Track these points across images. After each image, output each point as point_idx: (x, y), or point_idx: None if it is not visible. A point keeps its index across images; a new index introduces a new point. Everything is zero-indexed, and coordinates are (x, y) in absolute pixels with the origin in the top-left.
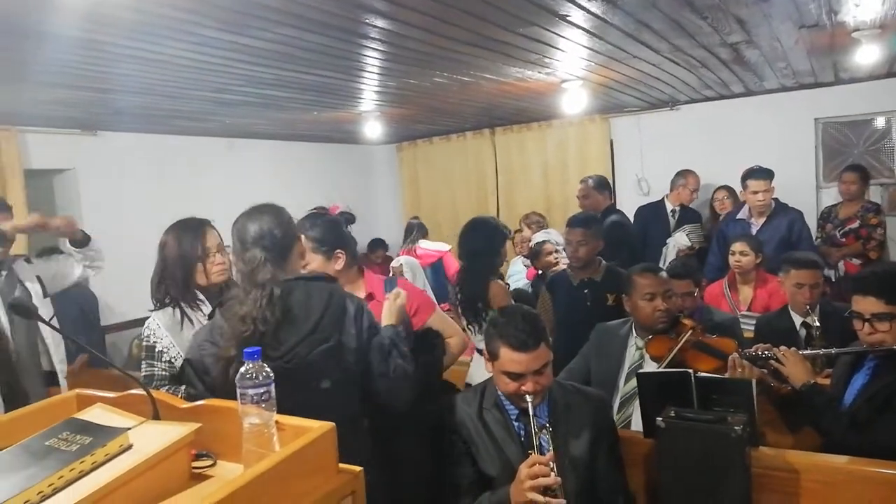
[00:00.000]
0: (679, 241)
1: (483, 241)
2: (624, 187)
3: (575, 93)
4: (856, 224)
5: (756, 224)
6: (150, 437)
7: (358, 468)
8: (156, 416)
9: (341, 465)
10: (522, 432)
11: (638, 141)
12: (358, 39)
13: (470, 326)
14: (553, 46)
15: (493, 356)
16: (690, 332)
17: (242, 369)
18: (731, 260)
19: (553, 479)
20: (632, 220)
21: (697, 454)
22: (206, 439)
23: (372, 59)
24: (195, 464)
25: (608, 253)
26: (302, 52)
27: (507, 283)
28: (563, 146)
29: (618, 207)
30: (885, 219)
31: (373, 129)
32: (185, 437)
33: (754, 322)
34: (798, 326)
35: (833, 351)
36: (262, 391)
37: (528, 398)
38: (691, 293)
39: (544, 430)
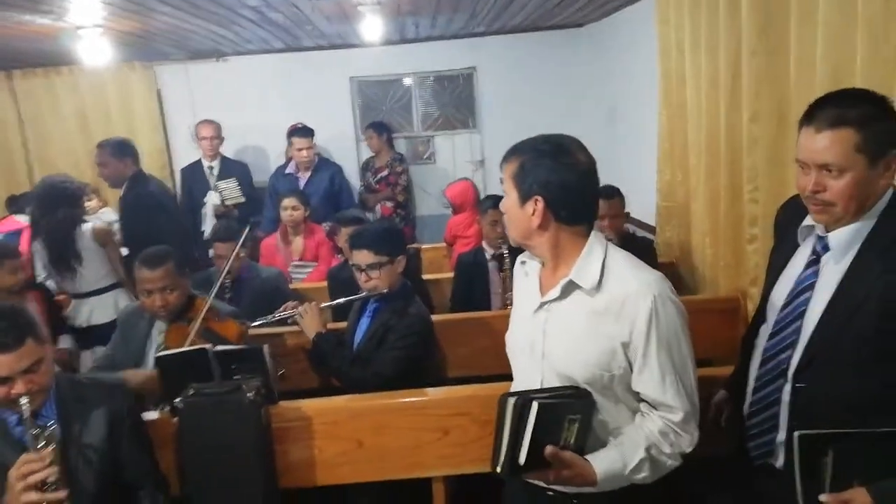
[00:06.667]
0: (212, 199)
1: (60, 193)
2: (178, 141)
3: (95, 40)
4: (386, 172)
5: (303, 178)
6: None
7: None
8: None
9: None
10: (27, 438)
11: (188, 91)
12: None
13: (59, 276)
14: None
15: None
16: (202, 318)
17: None
18: (283, 214)
19: (46, 471)
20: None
21: (217, 425)
22: None
23: None
24: None
25: (143, 233)
26: None
27: None
28: (103, 95)
29: (182, 167)
30: (409, 167)
31: None
32: None
33: (307, 270)
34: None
35: (342, 300)
36: None
37: (23, 400)
38: (238, 255)
39: (48, 429)
